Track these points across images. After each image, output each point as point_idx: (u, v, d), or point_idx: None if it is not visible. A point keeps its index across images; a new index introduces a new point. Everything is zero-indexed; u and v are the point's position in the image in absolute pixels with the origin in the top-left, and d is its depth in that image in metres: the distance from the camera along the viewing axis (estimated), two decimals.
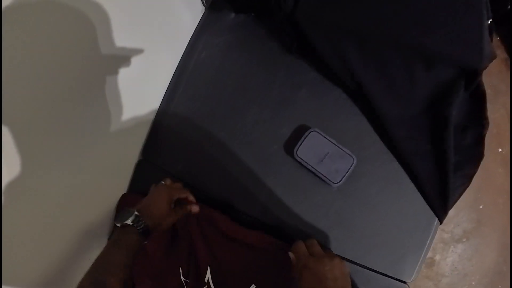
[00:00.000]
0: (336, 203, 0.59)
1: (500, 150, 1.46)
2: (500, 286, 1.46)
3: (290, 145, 0.60)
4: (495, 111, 1.50)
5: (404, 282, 0.58)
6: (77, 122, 0.46)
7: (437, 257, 1.40)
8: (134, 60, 0.52)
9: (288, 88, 0.63)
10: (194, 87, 0.64)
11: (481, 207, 1.41)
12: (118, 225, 0.45)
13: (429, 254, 1.41)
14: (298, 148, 0.58)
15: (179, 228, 0.57)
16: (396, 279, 0.58)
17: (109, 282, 0.38)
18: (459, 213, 1.40)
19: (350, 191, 0.59)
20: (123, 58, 0.50)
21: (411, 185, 0.58)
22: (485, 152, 1.46)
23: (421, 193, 0.58)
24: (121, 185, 0.62)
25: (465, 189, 0.61)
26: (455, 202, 0.62)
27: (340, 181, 0.57)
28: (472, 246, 1.41)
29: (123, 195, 0.61)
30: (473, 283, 1.42)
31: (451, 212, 1.46)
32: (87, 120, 0.48)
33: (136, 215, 0.45)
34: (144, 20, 0.52)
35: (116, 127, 0.53)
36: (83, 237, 0.53)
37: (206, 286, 0.53)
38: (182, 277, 0.54)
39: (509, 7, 1.45)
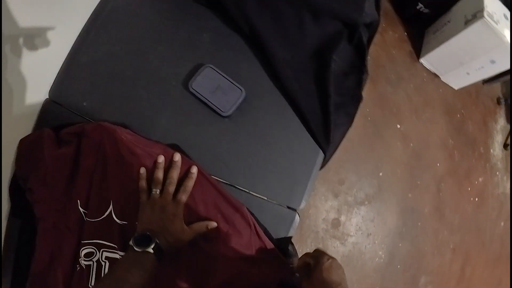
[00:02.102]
0: (228, 134, 0.57)
1: (398, 126, 1.62)
2: (400, 245, 1.61)
3: (188, 81, 0.57)
4: (396, 93, 1.66)
5: (294, 210, 0.58)
6: None
7: (342, 218, 1.48)
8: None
9: (192, 32, 0.63)
10: (106, 31, 0.60)
11: (380, 174, 1.54)
12: (139, 250, 0.42)
13: (335, 215, 1.50)
14: (193, 81, 0.57)
15: (82, 161, 0.52)
16: (286, 207, 0.57)
17: None
18: (361, 178, 1.51)
19: (241, 123, 0.58)
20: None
21: (298, 120, 0.59)
22: (386, 128, 1.62)
23: (306, 128, 0.59)
24: (27, 124, 0.55)
25: (348, 128, 0.64)
26: (341, 140, 0.65)
27: (229, 111, 0.55)
28: (373, 209, 1.53)
29: (22, 140, 0.54)
30: (376, 242, 1.54)
31: (354, 177, 1.58)
32: None
33: (156, 242, 0.43)
34: None
35: (25, 66, 0.48)
36: None
37: (106, 216, 0.51)
38: (80, 208, 0.52)
39: (418, 7, 1.64)
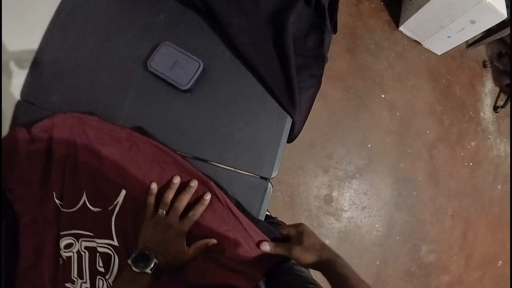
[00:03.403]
0: (190, 108, 0.57)
1: (383, 96, 1.63)
2: (397, 216, 1.63)
3: (146, 61, 0.58)
4: (378, 63, 1.66)
5: (266, 179, 0.59)
6: None
7: (334, 193, 1.50)
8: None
9: (149, 15, 0.64)
10: (67, 28, 0.62)
11: (369, 145, 1.56)
12: (137, 271, 0.43)
13: (326, 191, 1.51)
14: (151, 60, 0.58)
15: (55, 152, 0.54)
16: (258, 176, 0.59)
17: None
18: (350, 151, 1.53)
19: (202, 96, 0.58)
20: None
21: (260, 87, 0.59)
22: (370, 98, 1.63)
23: (269, 94, 0.59)
24: (4, 127, 0.57)
25: (317, 91, 0.65)
26: (310, 104, 0.66)
27: (188, 85, 0.56)
28: (366, 181, 1.55)
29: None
30: (372, 214, 1.56)
31: (342, 151, 1.59)
32: None
33: (155, 262, 0.44)
34: None
35: None
36: None
37: (81, 206, 0.53)
38: (56, 200, 0.53)
39: None
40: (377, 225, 1.58)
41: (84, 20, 0.62)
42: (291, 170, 1.48)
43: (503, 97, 1.85)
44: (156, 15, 0.63)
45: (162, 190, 0.52)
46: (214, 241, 0.51)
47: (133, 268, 0.43)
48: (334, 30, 0.92)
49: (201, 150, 0.57)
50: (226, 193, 0.55)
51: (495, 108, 1.83)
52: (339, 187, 1.51)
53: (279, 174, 1.42)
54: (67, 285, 0.53)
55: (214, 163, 0.57)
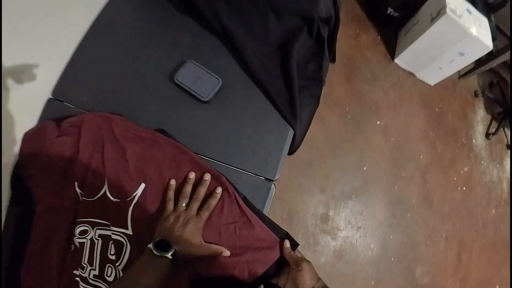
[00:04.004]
0: (208, 117, 0.69)
1: (378, 122, 1.76)
2: (391, 237, 1.69)
3: (173, 75, 0.70)
4: (374, 92, 1.82)
5: (270, 180, 0.68)
6: None
7: (331, 213, 1.58)
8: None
9: (176, 35, 0.76)
10: (102, 38, 0.73)
11: (364, 168, 1.66)
12: (158, 254, 0.45)
13: (323, 210, 1.60)
14: (177, 74, 0.69)
15: (82, 145, 0.60)
16: (263, 178, 0.68)
17: None
18: (346, 173, 1.63)
19: (218, 107, 0.69)
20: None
21: (267, 102, 0.71)
22: (366, 123, 1.77)
23: (275, 108, 0.71)
24: (31, 121, 0.65)
25: (315, 109, 0.77)
26: (309, 119, 0.77)
27: (208, 97, 0.67)
28: (361, 202, 1.63)
29: (26, 132, 0.62)
30: (367, 234, 1.63)
31: (339, 172, 1.69)
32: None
33: (175, 249, 0.47)
34: None
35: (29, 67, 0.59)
36: None
37: (101, 195, 0.58)
38: (77, 189, 0.59)
39: (388, 12, 1.83)
40: (372, 245, 1.64)
41: (117, 32, 0.74)
42: (289, 188, 1.56)
43: (494, 125, 1.98)
44: (183, 36, 0.76)
45: (179, 185, 0.61)
46: (228, 253, 0.56)
47: (155, 251, 0.45)
48: (333, 59, 1.06)
49: (214, 152, 0.67)
50: (235, 188, 0.63)
51: (487, 135, 1.96)
52: (335, 207, 1.59)
53: (278, 191, 1.54)
54: (76, 272, 0.57)
55: (224, 164, 0.67)
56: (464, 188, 1.84)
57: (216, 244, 0.58)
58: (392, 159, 1.73)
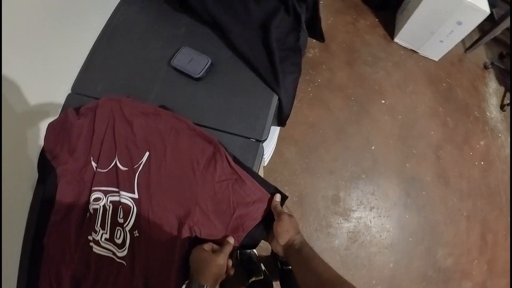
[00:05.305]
0: (201, 90, 0.83)
1: (383, 101, 1.84)
2: (407, 216, 1.72)
3: (170, 60, 0.86)
4: (376, 73, 1.91)
5: (259, 141, 0.80)
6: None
7: (342, 194, 1.64)
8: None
9: (173, 29, 0.94)
10: (113, 38, 0.92)
11: (373, 147, 1.73)
12: None
13: (333, 192, 1.68)
14: (174, 59, 0.85)
15: (97, 126, 0.73)
16: (253, 139, 0.80)
17: None
18: (354, 153, 1.71)
19: (210, 82, 0.84)
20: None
21: (252, 74, 0.85)
22: (370, 104, 1.86)
23: (260, 78, 0.84)
24: (53, 113, 0.82)
25: (298, 76, 0.89)
26: (295, 86, 0.89)
27: (200, 74, 0.82)
28: (372, 182, 1.69)
29: (50, 123, 0.76)
30: (380, 215, 1.67)
31: (346, 153, 1.78)
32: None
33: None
34: None
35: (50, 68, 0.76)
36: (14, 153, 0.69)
37: (113, 166, 0.70)
38: (93, 163, 0.71)
39: None
40: (388, 226, 1.67)
41: (126, 32, 0.93)
42: (297, 171, 1.66)
43: (508, 96, 1.98)
44: (178, 28, 0.94)
45: (179, 151, 0.73)
46: (232, 240, 0.63)
47: None
48: (321, 37, 1.19)
49: (208, 120, 0.81)
50: (226, 149, 0.74)
51: (502, 107, 1.96)
52: (345, 188, 1.65)
53: (286, 175, 1.66)
54: (89, 237, 0.66)
55: (217, 129, 0.80)
56: (482, 163, 1.84)
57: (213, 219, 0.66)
58: (401, 137, 1.78)
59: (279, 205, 0.65)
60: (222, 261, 0.58)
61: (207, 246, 0.60)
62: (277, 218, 0.63)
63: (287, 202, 0.70)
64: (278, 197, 0.67)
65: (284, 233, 0.60)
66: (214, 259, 0.57)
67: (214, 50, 0.88)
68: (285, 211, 0.65)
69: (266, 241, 0.66)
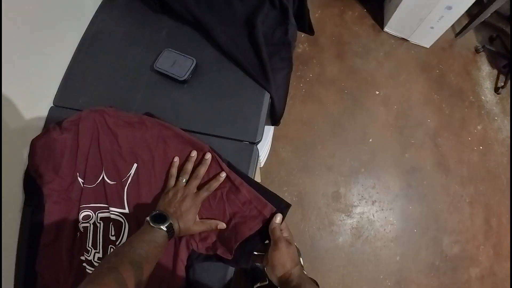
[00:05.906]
0: (189, 94, 0.80)
1: (377, 92, 1.82)
2: (410, 207, 1.71)
3: (153, 65, 0.82)
4: (367, 64, 1.89)
5: (253, 143, 0.77)
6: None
7: (342, 190, 1.62)
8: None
9: (154, 32, 0.91)
10: (92, 47, 0.88)
11: (370, 140, 1.71)
12: (153, 226, 0.52)
13: (333, 188, 1.65)
14: (157, 62, 0.81)
15: (81, 140, 0.70)
16: (246, 142, 0.77)
17: (145, 268, 0.45)
18: (351, 148, 1.69)
19: (196, 84, 0.81)
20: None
21: (241, 72, 0.81)
22: (364, 96, 1.84)
23: (249, 77, 0.81)
24: (36, 128, 0.79)
25: (289, 71, 0.86)
26: (286, 82, 0.86)
27: (185, 76, 0.78)
28: (372, 175, 1.67)
29: (33, 139, 0.73)
30: (383, 208, 1.66)
31: (343, 148, 1.76)
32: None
33: (170, 223, 0.54)
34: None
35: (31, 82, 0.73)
36: None
37: (100, 181, 0.68)
38: (79, 178, 0.69)
39: None
40: (391, 218, 1.66)
41: (104, 41, 0.89)
42: (295, 171, 1.64)
43: (502, 78, 1.97)
44: (160, 31, 0.90)
45: (166, 161, 0.70)
46: (224, 225, 0.62)
47: (151, 223, 0.52)
48: (311, 30, 1.16)
49: (197, 125, 0.77)
50: (218, 155, 0.71)
51: (496, 90, 1.95)
52: (345, 183, 1.63)
53: (284, 175, 1.63)
54: (82, 257, 0.63)
55: (208, 134, 0.77)
56: (481, 148, 1.83)
57: (211, 218, 0.64)
58: (398, 127, 1.76)
59: (278, 229, 0.58)
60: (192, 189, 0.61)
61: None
62: (273, 245, 0.56)
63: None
64: (278, 219, 0.60)
65: (280, 266, 0.54)
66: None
67: (199, 50, 0.85)
68: (285, 235, 0.59)
69: (261, 263, 0.61)
